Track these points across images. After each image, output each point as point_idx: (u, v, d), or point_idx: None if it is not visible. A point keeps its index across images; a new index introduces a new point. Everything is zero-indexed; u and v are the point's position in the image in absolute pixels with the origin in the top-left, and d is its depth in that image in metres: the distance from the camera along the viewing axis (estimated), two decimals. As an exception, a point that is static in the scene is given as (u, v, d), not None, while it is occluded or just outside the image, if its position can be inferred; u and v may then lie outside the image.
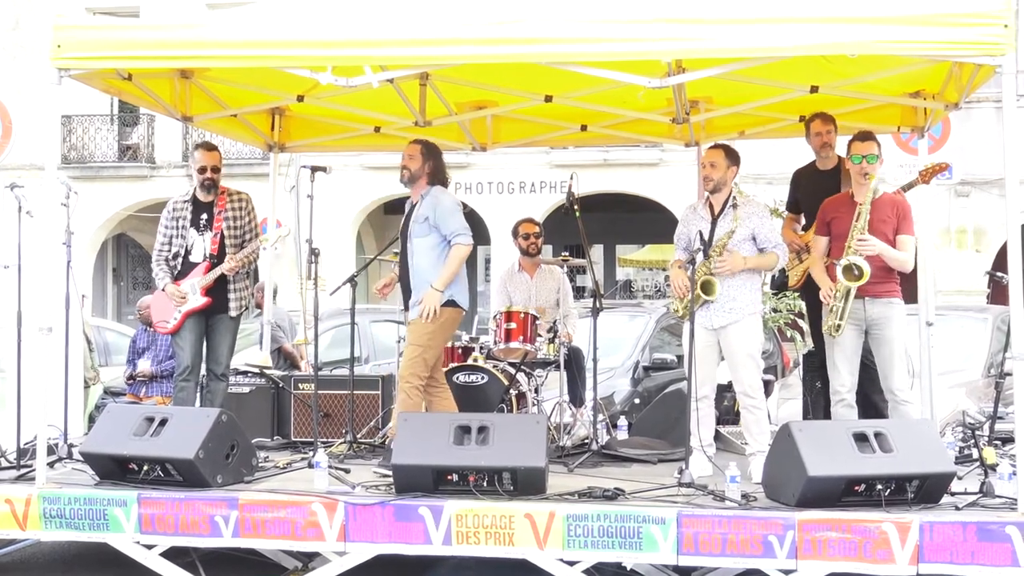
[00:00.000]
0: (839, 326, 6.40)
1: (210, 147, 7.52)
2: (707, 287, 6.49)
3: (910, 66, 6.93)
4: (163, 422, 6.17)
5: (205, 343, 7.47)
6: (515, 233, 8.72)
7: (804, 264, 7.30)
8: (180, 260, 7.42)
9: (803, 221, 7.61)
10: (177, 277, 7.39)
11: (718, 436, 7.24)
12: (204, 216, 7.43)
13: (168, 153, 23.71)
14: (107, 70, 6.53)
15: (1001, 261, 20.36)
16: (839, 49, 5.75)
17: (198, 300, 7.32)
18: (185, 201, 7.51)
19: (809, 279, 7.02)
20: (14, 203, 6.82)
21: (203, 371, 7.55)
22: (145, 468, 6.05)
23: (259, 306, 11.26)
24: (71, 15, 6.77)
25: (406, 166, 7.08)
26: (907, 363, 6.68)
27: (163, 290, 7.39)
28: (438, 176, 7.05)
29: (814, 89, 7.55)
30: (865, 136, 6.59)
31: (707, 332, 6.64)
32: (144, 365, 10.12)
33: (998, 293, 18.85)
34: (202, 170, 7.42)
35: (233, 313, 7.44)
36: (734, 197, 6.73)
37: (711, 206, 6.75)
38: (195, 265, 7.38)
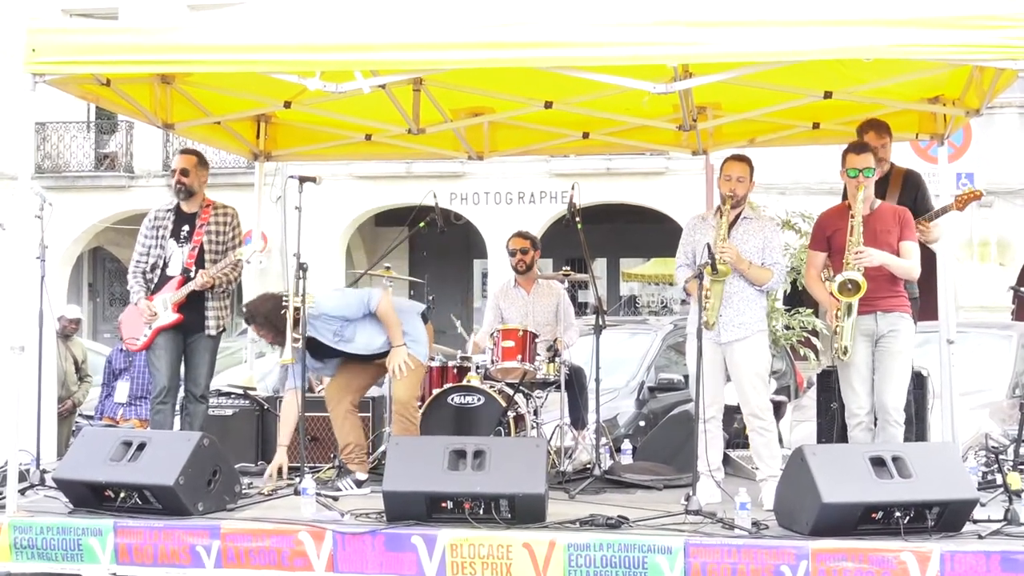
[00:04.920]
0: (846, 348, 6.41)
1: (186, 151, 7.60)
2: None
3: (928, 70, 6.95)
4: (141, 447, 6.15)
5: (184, 363, 7.46)
6: (506, 248, 8.70)
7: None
8: (158, 273, 7.42)
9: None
10: (154, 291, 7.38)
11: (727, 460, 7.23)
12: (186, 227, 7.44)
13: (147, 162, 23.74)
14: (84, 75, 6.55)
15: (1026, 275, 20.44)
16: (853, 53, 5.77)
17: (169, 317, 7.32)
18: (168, 210, 7.53)
19: None
20: (-16, 215, 6.84)
21: (181, 393, 7.54)
22: (122, 495, 6.03)
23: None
24: (46, 18, 6.81)
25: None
26: (908, 383, 6.67)
27: (136, 305, 7.39)
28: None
29: (828, 95, 7.56)
30: (861, 148, 6.61)
31: (714, 348, 6.66)
32: (122, 393, 10.08)
33: (1023, 309, 18.87)
34: (173, 173, 7.50)
35: (212, 332, 7.44)
36: (746, 210, 6.84)
37: (723, 218, 6.76)
38: (170, 279, 7.39)
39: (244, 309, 7.15)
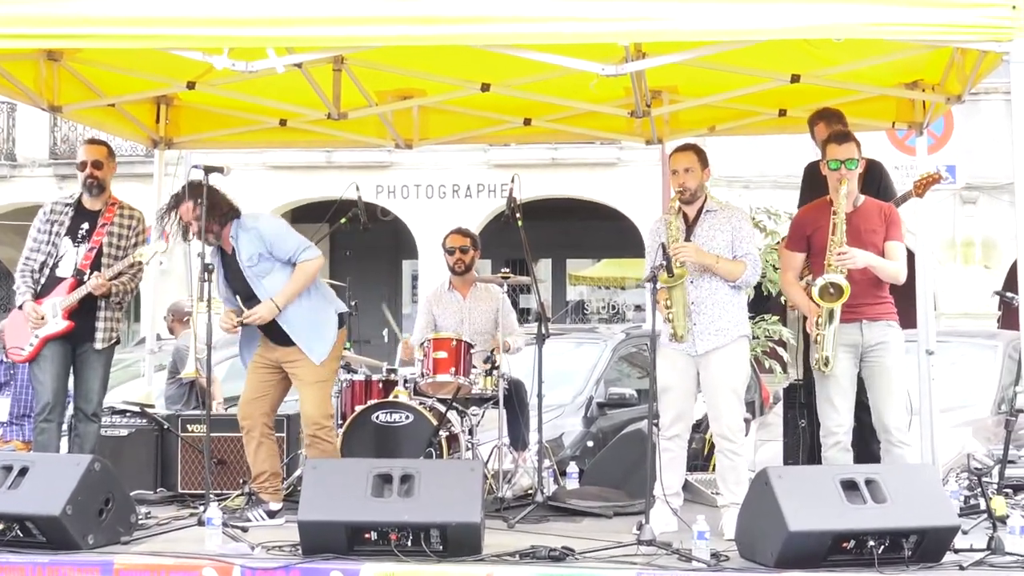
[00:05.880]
0: (827, 359, 6.45)
1: (94, 141, 7.54)
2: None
3: (905, 52, 7.05)
4: (23, 472, 6.09)
5: (73, 377, 7.38)
6: (443, 246, 8.69)
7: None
8: (46, 273, 7.32)
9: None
10: (40, 294, 7.28)
11: (685, 485, 7.27)
12: (85, 225, 7.35)
13: (32, 149, 23.47)
14: (-43, 50, 6.47)
15: (1013, 279, 20.72)
16: (823, 32, 5.84)
17: (59, 324, 7.23)
18: (67, 204, 7.44)
19: None
20: None
21: (70, 411, 7.46)
22: (1, 527, 5.97)
23: (171, 332, 11.14)
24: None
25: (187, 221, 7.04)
26: (906, 398, 6.75)
27: (20, 308, 7.30)
28: (226, 208, 7.09)
29: (795, 78, 7.65)
30: (843, 137, 6.65)
31: (687, 359, 6.67)
32: (2, 410, 9.94)
33: (1010, 316, 19.14)
34: (82, 165, 7.39)
35: (99, 345, 7.35)
36: (709, 202, 6.84)
37: (684, 215, 6.78)
38: (60, 281, 7.29)
39: (183, 187, 7.02)
